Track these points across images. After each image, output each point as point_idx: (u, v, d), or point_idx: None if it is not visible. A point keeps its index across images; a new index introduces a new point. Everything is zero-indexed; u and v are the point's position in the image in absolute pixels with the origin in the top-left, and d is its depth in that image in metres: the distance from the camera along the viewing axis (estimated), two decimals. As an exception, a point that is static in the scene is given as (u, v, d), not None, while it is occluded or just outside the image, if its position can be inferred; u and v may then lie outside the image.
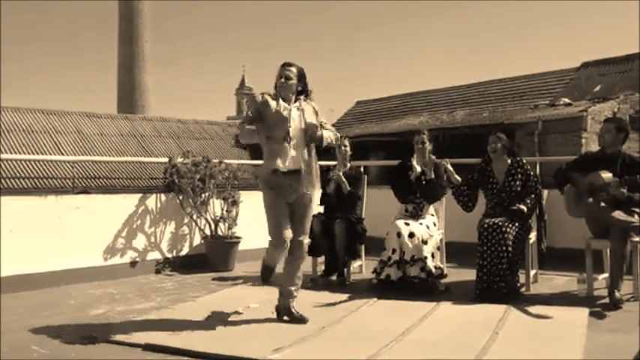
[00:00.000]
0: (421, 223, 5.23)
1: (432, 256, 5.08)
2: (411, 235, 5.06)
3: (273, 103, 4.02)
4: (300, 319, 4.11)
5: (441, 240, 5.39)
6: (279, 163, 3.97)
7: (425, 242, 5.06)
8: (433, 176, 5.39)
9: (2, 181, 17.00)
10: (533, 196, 5.07)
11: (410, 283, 5.01)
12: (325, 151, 4.47)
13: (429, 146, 5.54)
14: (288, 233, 4.02)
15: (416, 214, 5.41)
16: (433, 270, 5.02)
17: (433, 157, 5.54)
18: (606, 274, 4.88)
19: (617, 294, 4.43)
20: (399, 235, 5.07)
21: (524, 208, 4.92)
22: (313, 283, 5.54)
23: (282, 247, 4.02)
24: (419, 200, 5.46)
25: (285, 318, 4.16)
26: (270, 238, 4.06)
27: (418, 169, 5.44)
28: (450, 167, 5.30)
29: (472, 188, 5.31)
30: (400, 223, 5.16)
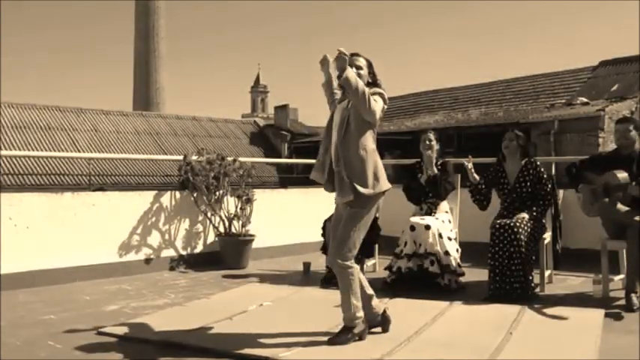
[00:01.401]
0: (437, 218, 5.30)
1: (448, 253, 5.08)
2: (427, 227, 5.09)
3: None
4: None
5: (456, 239, 5.39)
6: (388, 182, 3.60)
7: (440, 236, 5.10)
8: (437, 171, 5.51)
9: (19, 177, 17.21)
10: (541, 202, 5.01)
11: (425, 275, 5.03)
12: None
13: (436, 146, 5.60)
14: None
15: (430, 213, 5.44)
16: (453, 264, 5.07)
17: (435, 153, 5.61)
18: (622, 275, 4.83)
19: (633, 295, 4.38)
20: (412, 228, 5.11)
21: (525, 216, 4.87)
22: (326, 282, 5.54)
23: None
24: (432, 200, 5.51)
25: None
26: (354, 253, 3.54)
27: (428, 172, 5.56)
28: (470, 166, 5.27)
29: (487, 187, 5.28)
30: (414, 218, 5.25)
